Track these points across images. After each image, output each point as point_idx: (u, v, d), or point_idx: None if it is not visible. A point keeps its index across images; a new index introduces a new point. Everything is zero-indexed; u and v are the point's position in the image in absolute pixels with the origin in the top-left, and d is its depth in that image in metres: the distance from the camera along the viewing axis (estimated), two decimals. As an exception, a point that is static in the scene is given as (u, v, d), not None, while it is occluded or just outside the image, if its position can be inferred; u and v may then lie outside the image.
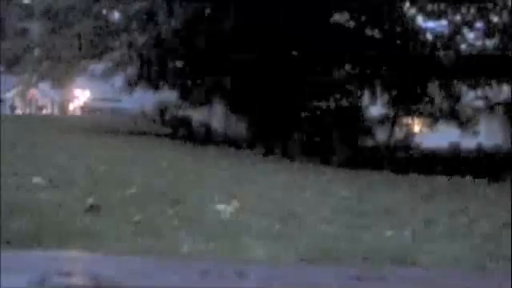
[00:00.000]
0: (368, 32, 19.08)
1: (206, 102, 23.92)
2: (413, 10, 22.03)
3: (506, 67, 19.97)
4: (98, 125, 24.01)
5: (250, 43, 19.22)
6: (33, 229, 4.47)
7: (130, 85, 23.13)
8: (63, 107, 48.62)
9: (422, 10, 21.42)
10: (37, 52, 23.07)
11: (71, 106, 49.18)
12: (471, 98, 23.43)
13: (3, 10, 24.61)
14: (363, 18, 18.75)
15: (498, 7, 20.41)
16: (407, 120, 24.90)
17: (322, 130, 20.41)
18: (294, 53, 19.66)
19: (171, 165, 10.35)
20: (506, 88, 22.71)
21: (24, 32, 23.95)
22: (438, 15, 21.22)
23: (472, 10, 20.96)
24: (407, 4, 21.80)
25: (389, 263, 4.29)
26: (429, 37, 21.96)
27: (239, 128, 23.02)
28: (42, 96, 48.43)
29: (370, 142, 22.49)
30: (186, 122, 27.09)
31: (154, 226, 4.97)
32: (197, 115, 27.69)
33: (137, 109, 33.99)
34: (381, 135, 22.95)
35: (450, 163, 16.86)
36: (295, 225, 5.57)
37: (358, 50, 19.46)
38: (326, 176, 11.21)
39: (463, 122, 23.24)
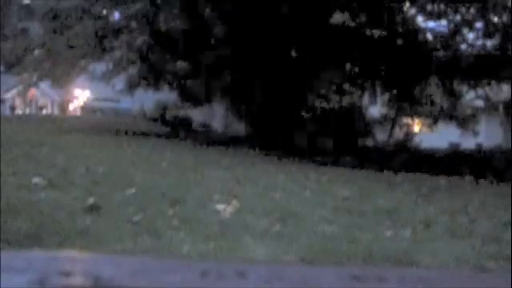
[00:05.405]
0: (368, 32, 19.04)
1: (206, 102, 23.92)
2: (413, 10, 22.02)
3: (506, 67, 19.95)
4: (98, 125, 23.99)
5: (250, 43, 19.22)
6: (33, 229, 4.47)
7: (131, 85, 23.10)
8: (63, 107, 48.64)
9: (422, 9, 21.41)
10: (37, 52, 23.05)
11: (71, 106, 49.19)
12: (471, 97, 23.40)
13: (3, 10, 24.60)
14: (363, 18, 18.72)
15: (497, 7, 20.38)
16: (407, 120, 24.86)
17: (322, 129, 20.39)
18: (294, 53, 19.65)
19: (171, 165, 10.34)
20: (505, 88, 22.68)
21: (24, 32, 23.93)
22: (438, 15, 21.20)
23: (472, 10, 20.95)
24: (407, 4, 21.79)
25: (389, 263, 4.29)
26: (429, 37, 21.95)
27: (239, 128, 23.01)
28: (42, 96, 48.46)
29: (370, 142, 22.47)
30: (186, 122, 27.09)
31: (154, 226, 4.97)
32: (197, 115, 27.70)
33: (137, 109, 33.99)
34: (381, 135, 22.93)
35: (450, 163, 16.83)
36: (295, 225, 5.57)
37: (358, 50, 19.45)
38: (326, 176, 11.20)
39: (463, 122, 23.20)
